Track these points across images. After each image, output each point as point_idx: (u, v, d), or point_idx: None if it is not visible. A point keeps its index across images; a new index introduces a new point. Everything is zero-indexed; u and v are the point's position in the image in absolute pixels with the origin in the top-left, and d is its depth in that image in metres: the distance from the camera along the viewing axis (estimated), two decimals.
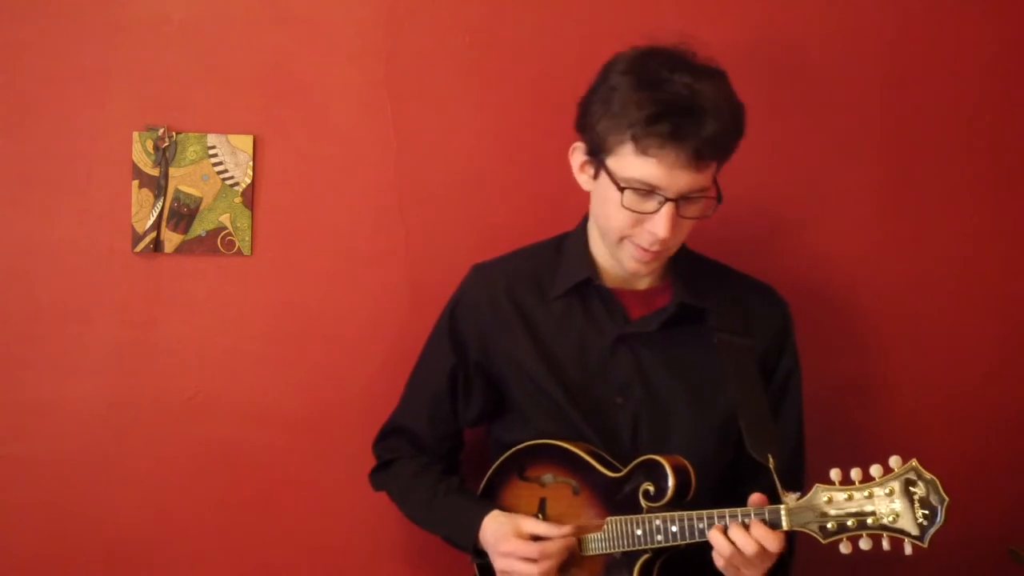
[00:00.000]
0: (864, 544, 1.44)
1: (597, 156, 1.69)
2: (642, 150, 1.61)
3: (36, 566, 2.02)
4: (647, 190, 1.63)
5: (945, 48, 2.18)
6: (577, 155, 1.75)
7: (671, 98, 1.60)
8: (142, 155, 2.01)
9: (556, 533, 1.69)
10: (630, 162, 1.63)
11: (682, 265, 1.81)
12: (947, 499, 1.40)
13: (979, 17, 2.19)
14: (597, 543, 1.68)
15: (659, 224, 1.64)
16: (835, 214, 2.18)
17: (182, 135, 2.02)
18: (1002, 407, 2.23)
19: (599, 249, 1.80)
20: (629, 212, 1.65)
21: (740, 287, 1.87)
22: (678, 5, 2.12)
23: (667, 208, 1.63)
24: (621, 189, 1.64)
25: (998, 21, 2.20)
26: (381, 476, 1.98)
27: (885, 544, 1.43)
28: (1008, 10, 2.20)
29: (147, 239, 2.02)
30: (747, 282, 1.88)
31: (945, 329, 2.22)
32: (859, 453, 2.11)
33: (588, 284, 1.80)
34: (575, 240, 1.85)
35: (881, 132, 2.18)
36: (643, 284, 1.81)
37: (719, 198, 1.68)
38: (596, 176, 1.71)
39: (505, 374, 1.85)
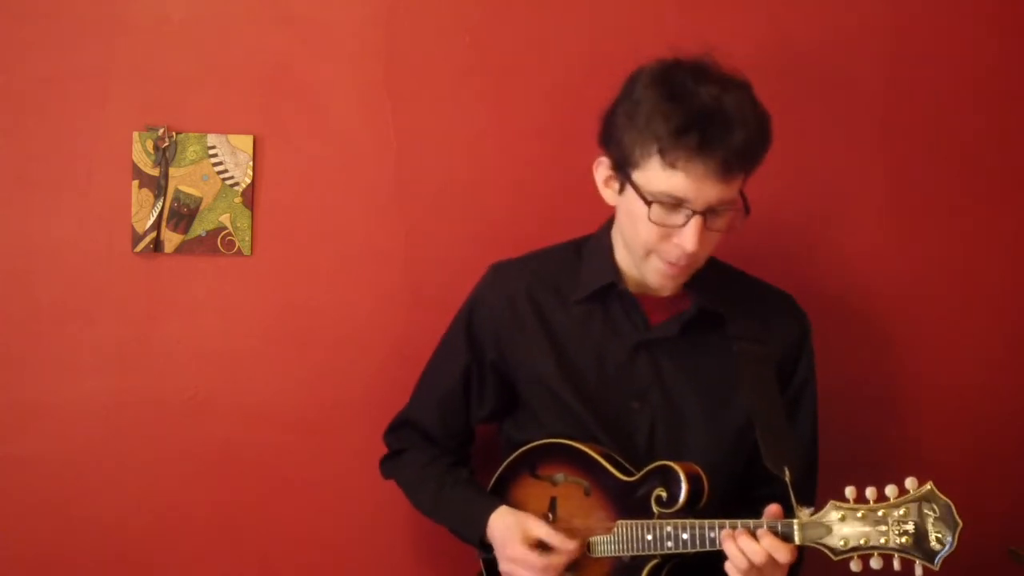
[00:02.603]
0: (875, 563, 1.44)
1: (623, 170, 1.67)
2: (670, 163, 1.58)
3: (36, 566, 2.03)
4: (674, 203, 1.61)
5: (948, 49, 2.18)
6: (602, 170, 1.73)
7: (698, 109, 1.57)
8: (142, 155, 2.01)
9: (564, 547, 1.68)
10: (657, 175, 1.60)
11: (703, 270, 1.78)
12: (960, 524, 1.40)
13: (981, 18, 2.19)
14: (606, 545, 1.68)
15: (687, 237, 1.61)
16: (837, 216, 2.18)
17: (182, 135, 2.02)
18: (1003, 407, 2.23)
19: (623, 255, 1.78)
20: (656, 226, 1.63)
21: (759, 294, 1.85)
22: (678, 6, 2.12)
23: (695, 221, 1.61)
24: (648, 203, 1.62)
25: (1000, 22, 2.19)
26: (391, 465, 1.98)
27: (896, 565, 1.43)
28: (1009, 10, 2.20)
29: (147, 239, 2.02)
30: (767, 289, 1.87)
31: (946, 329, 2.21)
32: (858, 453, 2.14)
33: (611, 289, 1.78)
34: (597, 244, 1.83)
35: (883, 133, 2.18)
36: (664, 290, 1.78)
37: (747, 210, 1.67)
38: (622, 190, 1.69)
39: (520, 376, 1.84)
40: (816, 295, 2.09)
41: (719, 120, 1.57)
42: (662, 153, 1.59)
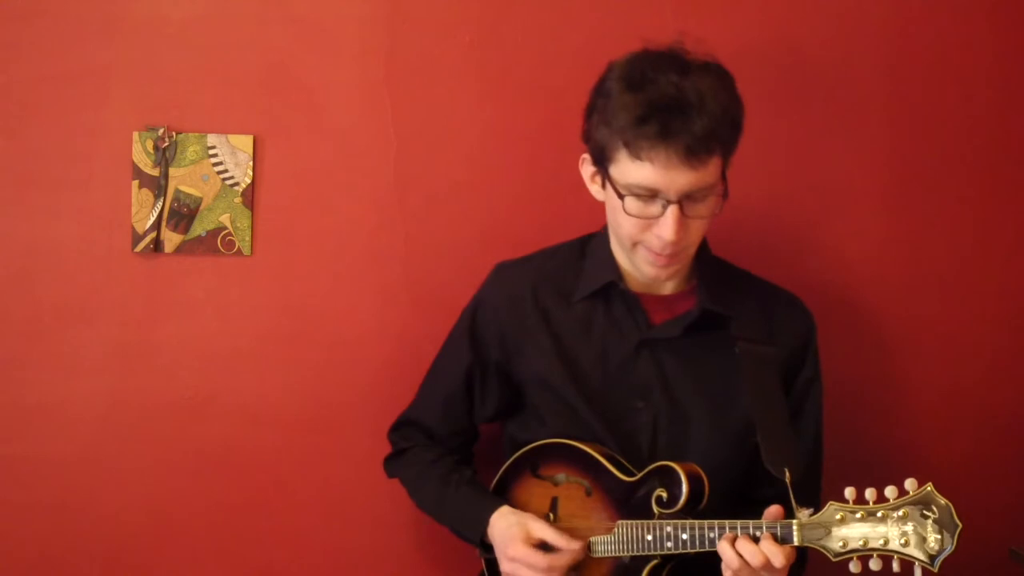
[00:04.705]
0: (874, 565, 1.44)
1: (601, 165, 1.68)
2: (635, 154, 1.59)
3: (36, 566, 2.03)
4: (648, 194, 1.62)
5: (949, 48, 2.18)
6: (586, 166, 1.74)
7: (657, 98, 1.58)
8: (142, 155, 2.01)
9: (566, 547, 1.68)
10: (627, 168, 1.62)
11: (707, 271, 1.79)
12: (960, 525, 1.40)
13: (982, 17, 2.18)
14: (606, 545, 1.68)
15: (665, 228, 1.62)
16: (838, 215, 2.18)
17: (182, 135, 2.02)
18: (1002, 407, 2.23)
19: (619, 252, 1.79)
20: (635, 218, 1.64)
21: (765, 295, 1.85)
22: (678, 5, 2.12)
23: (671, 211, 1.61)
24: (622, 196, 1.63)
25: (1001, 21, 2.19)
26: (395, 463, 1.98)
27: (895, 566, 1.43)
28: (1010, 9, 2.20)
29: (147, 239, 2.02)
30: (772, 290, 1.87)
31: (946, 329, 2.21)
32: (858, 453, 2.14)
33: (612, 287, 1.78)
34: (599, 243, 1.83)
35: (884, 132, 2.18)
36: (667, 289, 1.80)
37: (725, 194, 1.66)
38: (604, 185, 1.70)
39: (524, 375, 1.84)
40: (817, 295, 2.08)
41: (678, 107, 1.57)
42: (627, 145, 1.60)
